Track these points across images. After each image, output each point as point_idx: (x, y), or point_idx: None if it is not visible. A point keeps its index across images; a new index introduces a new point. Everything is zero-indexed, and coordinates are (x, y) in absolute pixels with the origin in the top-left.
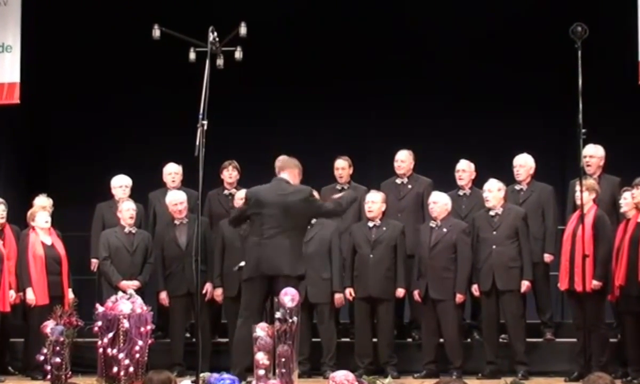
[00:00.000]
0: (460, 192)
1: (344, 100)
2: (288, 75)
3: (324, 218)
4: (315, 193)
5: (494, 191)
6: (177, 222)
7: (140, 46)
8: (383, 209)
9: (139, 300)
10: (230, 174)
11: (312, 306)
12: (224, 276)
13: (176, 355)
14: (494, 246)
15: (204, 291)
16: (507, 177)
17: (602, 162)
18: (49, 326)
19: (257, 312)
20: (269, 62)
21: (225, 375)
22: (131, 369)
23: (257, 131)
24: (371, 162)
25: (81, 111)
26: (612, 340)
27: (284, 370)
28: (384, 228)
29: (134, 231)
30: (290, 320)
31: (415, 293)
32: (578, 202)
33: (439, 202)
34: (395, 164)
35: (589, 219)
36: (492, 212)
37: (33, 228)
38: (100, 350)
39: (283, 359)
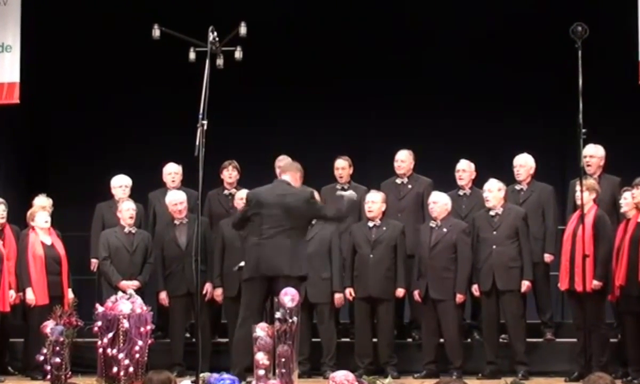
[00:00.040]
0: (460, 192)
1: (344, 100)
2: (288, 75)
3: (323, 221)
4: (316, 194)
5: (494, 191)
6: (177, 222)
7: (140, 46)
8: (383, 209)
9: (138, 300)
10: (230, 174)
11: (312, 306)
12: (224, 276)
13: (176, 355)
14: (494, 246)
15: (204, 291)
16: (507, 177)
17: (602, 162)
18: (49, 326)
19: (257, 312)
20: (268, 62)
21: (225, 375)
22: (131, 369)
23: (257, 131)
24: (371, 162)
25: (81, 111)
26: (612, 340)
27: (284, 370)
28: (384, 228)
29: (133, 231)
30: (290, 320)
31: (416, 293)
32: (578, 202)
33: (439, 202)
34: (395, 164)
35: (589, 219)
36: (492, 212)
37: (33, 228)
38: (100, 350)
39: (283, 359)
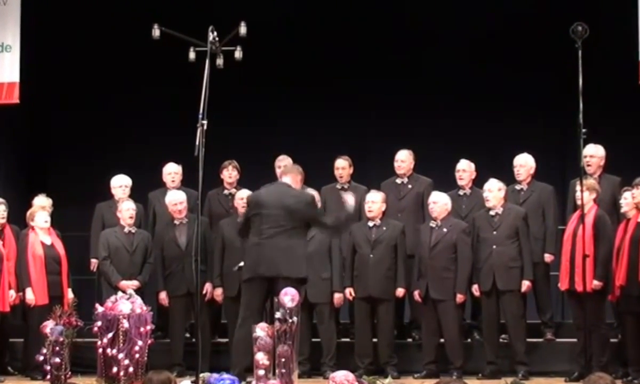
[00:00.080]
0: (461, 192)
1: (344, 100)
2: (288, 75)
3: (319, 229)
4: (317, 195)
5: (494, 190)
6: (176, 222)
7: (140, 46)
8: (383, 209)
9: (138, 300)
10: (230, 174)
11: (312, 306)
12: (224, 276)
13: (176, 355)
14: (494, 246)
15: (203, 291)
16: (507, 177)
17: (602, 162)
18: (49, 326)
19: (257, 312)
20: (268, 62)
21: (225, 375)
22: (131, 369)
23: (257, 131)
24: (371, 162)
25: (81, 111)
26: (612, 340)
27: (284, 370)
28: (384, 228)
29: (133, 231)
30: (290, 320)
31: (416, 293)
32: (578, 202)
33: (439, 202)
34: (395, 164)
35: (589, 219)
36: (492, 212)
37: (32, 228)
38: (100, 350)
39: (283, 360)
